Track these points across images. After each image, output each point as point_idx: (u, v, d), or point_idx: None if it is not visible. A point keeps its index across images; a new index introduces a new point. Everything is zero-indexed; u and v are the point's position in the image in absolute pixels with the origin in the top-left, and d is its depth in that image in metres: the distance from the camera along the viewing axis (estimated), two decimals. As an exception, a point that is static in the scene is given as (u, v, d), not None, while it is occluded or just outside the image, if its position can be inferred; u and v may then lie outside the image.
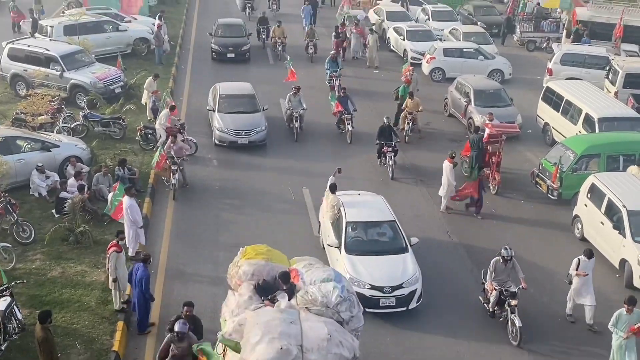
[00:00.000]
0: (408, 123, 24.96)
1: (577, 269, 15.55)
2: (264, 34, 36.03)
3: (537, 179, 21.45)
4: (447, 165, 20.26)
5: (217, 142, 24.07)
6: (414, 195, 21.42)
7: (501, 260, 15.47)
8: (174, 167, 20.66)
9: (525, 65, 34.07)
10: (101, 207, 18.96)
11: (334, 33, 34.66)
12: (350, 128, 24.81)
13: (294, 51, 33.48)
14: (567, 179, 20.36)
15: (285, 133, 25.68)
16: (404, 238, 16.67)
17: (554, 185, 20.51)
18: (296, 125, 24.87)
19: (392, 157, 22.33)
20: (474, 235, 19.32)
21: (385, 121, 22.89)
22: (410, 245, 16.57)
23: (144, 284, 14.30)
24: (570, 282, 15.78)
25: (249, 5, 41.68)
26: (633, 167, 19.89)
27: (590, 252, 15.69)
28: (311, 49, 34.11)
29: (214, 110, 24.62)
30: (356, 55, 34.41)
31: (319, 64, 32.34)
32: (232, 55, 33.41)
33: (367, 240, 16.79)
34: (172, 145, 21.07)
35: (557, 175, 20.32)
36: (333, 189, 17.76)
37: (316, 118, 26.55)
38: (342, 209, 17.06)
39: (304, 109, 25.02)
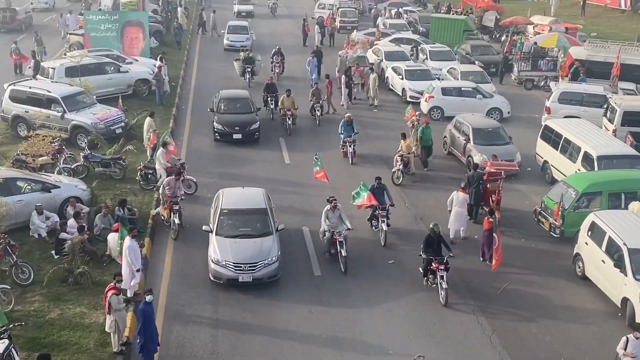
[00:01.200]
0: (398, 164, 24.80)
1: (625, 349, 14.64)
2: (272, 103, 31.59)
3: (540, 217, 21.44)
4: (462, 196, 20.78)
5: (212, 277, 18.10)
6: (414, 232, 21.36)
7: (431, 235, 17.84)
8: (175, 207, 20.69)
9: (523, 104, 34.28)
10: (101, 247, 18.95)
11: (342, 75, 34.16)
12: (385, 227, 20.33)
13: (302, 117, 30.56)
14: (569, 217, 20.34)
15: (305, 259, 19.89)
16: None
17: (556, 223, 20.49)
18: (342, 254, 18.85)
19: (444, 276, 17.67)
20: (474, 274, 19.22)
21: (434, 229, 18.26)
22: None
23: (138, 316, 14.28)
24: None
25: (249, 70, 36.47)
26: (635, 203, 19.88)
27: None
28: (317, 110, 31.03)
29: (211, 232, 18.84)
30: (356, 95, 34.53)
31: (327, 126, 30.46)
32: (239, 136, 28.29)
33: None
34: (173, 182, 21.14)
35: (559, 213, 20.33)
36: None
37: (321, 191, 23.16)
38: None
39: (348, 228, 19.36)
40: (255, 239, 18.44)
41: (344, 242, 18.94)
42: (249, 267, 17.75)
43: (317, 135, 29.89)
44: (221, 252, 17.93)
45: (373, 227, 21.06)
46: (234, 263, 17.72)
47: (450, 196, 21.02)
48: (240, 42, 43.88)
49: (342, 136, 26.91)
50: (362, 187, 20.73)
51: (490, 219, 19.47)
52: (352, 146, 26.46)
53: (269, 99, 31.62)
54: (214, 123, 28.40)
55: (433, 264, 17.69)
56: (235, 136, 28.23)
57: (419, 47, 40.92)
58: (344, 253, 18.80)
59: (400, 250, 20.35)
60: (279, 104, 30.46)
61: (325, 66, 37.42)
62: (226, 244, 18.16)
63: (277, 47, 38.43)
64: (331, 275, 18.96)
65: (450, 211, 21.02)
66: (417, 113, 28.20)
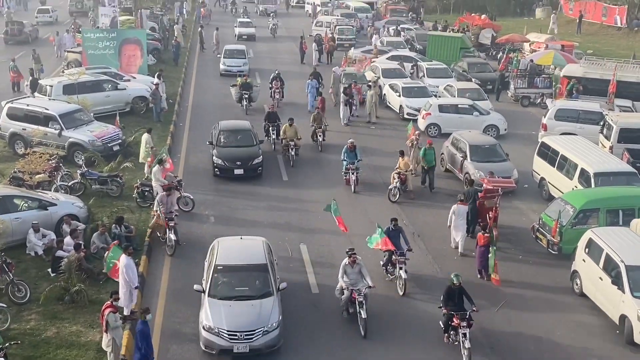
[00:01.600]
0: (395, 181, 24.77)
1: None
2: (273, 133, 29.66)
3: (538, 234, 21.45)
4: (462, 208, 21.06)
5: (203, 347, 16.00)
6: (414, 253, 21.30)
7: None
8: (170, 223, 20.66)
9: (519, 121, 34.38)
10: (97, 265, 18.90)
11: (342, 94, 34.12)
12: (404, 275, 18.64)
13: (304, 144, 29.21)
14: (567, 234, 20.35)
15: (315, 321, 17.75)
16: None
17: (554, 240, 20.49)
18: (362, 316, 16.83)
19: (467, 334, 15.94)
20: (472, 291, 19.09)
21: (454, 281, 16.61)
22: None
23: (138, 338, 14.23)
24: None
25: (246, 96, 34.63)
26: (637, 220, 19.88)
27: None
28: (319, 136, 29.80)
29: (203, 292, 16.75)
30: (354, 113, 34.55)
31: (330, 152, 29.17)
32: (241, 171, 26.20)
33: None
34: (165, 198, 21.12)
35: (557, 229, 20.33)
36: None
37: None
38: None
39: (369, 286, 17.27)
40: (254, 301, 16.33)
41: (364, 301, 16.81)
42: (246, 335, 15.62)
43: (320, 164, 28.44)
44: (214, 318, 15.78)
45: (388, 274, 19.41)
46: (227, 331, 15.61)
47: (451, 210, 21.22)
48: (238, 66, 42.01)
49: (344, 163, 25.93)
50: (378, 230, 19.27)
51: (486, 234, 19.59)
52: (354, 173, 25.56)
53: (270, 128, 29.77)
54: (213, 157, 26.37)
55: (454, 320, 16.04)
56: (236, 172, 26.19)
57: (417, 64, 41.08)
58: (363, 315, 16.71)
59: (416, 298, 18.83)
60: (281, 133, 28.64)
61: (324, 84, 37.30)
62: (220, 308, 16.01)
63: (277, 72, 36.66)
64: (347, 338, 16.99)
65: (449, 227, 21.28)
66: (417, 132, 28.07)
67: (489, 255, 19.38)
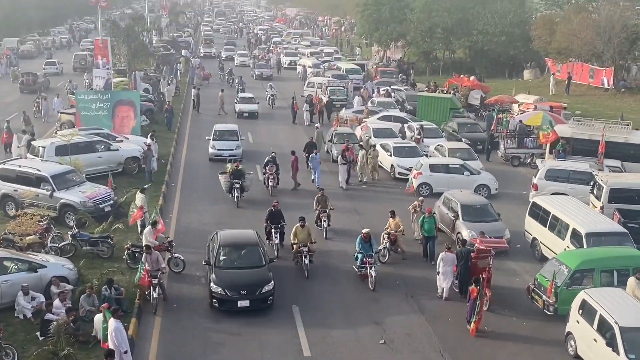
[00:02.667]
0: (385, 241, 24.56)
1: None
2: (277, 237, 24.72)
3: (533, 294, 21.31)
4: (449, 256, 21.78)
5: None
6: (405, 312, 21.16)
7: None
8: (154, 281, 20.51)
9: (510, 181, 34.60)
10: (87, 328, 18.64)
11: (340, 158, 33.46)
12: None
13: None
14: (562, 294, 20.22)
15: None
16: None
17: (550, 301, 20.38)
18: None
19: None
20: (467, 353, 18.98)
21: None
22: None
23: None
24: None
25: (237, 186, 29.81)
26: (632, 279, 19.83)
27: None
28: (324, 221, 26.78)
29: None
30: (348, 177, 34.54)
31: (337, 240, 26.54)
32: (246, 303, 20.53)
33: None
34: (148, 257, 21.02)
35: (552, 290, 20.25)
36: None
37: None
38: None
39: None
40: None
41: None
42: None
43: (326, 258, 24.78)
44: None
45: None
46: None
47: (439, 257, 21.92)
48: (230, 150, 36.77)
49: (359, 255, 22.85)
50: None
51: (478, 287, 19.81)
52: (372, 268, 22.32)
53: (272, 230, 24.82)
54: (211, 284, 20.62)
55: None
56: (240, 304, 20.45)
57: (407, 125, 41.46)
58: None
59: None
60: (292, 236, 23.76)
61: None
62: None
63: (272, 154, 32.37)
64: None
65: (438, 272, 21.95)
66: (420, 199, 27.50)
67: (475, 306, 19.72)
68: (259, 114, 48.98)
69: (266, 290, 20.62)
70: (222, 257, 21.53)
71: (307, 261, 23.03)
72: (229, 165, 31.00)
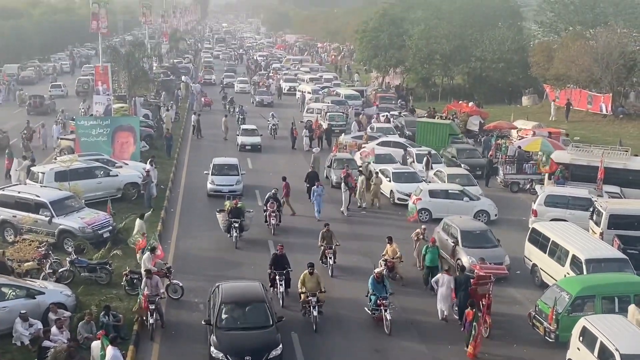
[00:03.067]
0: (382, 268, 24.03)
1: None
2: (281, 284, 22.88)
3: (535, 321, 21.19)
4: (447, 278, 22.00)
5: None
6: (403, 336, 21.03)
7: None
8: (151, 307, 20.40)
9: (509, 206, 34.57)
10: (85, 355, 18.50)
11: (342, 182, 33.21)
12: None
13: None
14: (564, 321, 20.09)
15: None
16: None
17: (551, 327, 20.26)
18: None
19: None
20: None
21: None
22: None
23: None
24: None
25: (236, 225, 28.16)
26: (633, 306, 19.75)
27: None
28: (330, 258, 25.49)
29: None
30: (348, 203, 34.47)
31: (344, 279, 25.45)
32: None
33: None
34: (148, 281, 20.93)
35: (554, 317, 20.14)
36: None
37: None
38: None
39: None
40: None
41: None
42: None
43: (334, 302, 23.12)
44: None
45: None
46: None
47: (439, 280, 22.11)
48: (229, 185, 34.75)
49: (372, 297, 21.61)
50: None
51: (473, 310, 19.94)
52: (387, 311, 21.09)
53: (277, 277, 23.06)
54: (211, 348, 18.43)
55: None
56: None
57: (407, 150, 41.51)
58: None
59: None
60: (299, 285, 21.89)
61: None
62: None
63: (273, 191, 30.57)
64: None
65: (436, 291, 22.28)
66: (423, 227, 27.10)
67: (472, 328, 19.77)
68: (261, 146, 46.99)
69: (274, 356, 18.31)
70: (223, 316, 19.27)
71: (315, 313, 21.07)
72: (227, 203, 29.17)
